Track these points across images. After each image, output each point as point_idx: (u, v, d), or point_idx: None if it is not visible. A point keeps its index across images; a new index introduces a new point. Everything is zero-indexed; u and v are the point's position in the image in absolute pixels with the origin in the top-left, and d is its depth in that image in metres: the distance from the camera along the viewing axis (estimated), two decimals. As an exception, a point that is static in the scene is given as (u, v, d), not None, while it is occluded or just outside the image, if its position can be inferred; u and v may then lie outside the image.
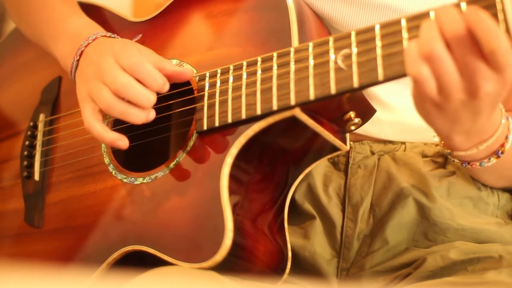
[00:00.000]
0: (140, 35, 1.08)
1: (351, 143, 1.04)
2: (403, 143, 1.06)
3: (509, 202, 1.07)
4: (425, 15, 0.76)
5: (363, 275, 1.02)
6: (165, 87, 0.94)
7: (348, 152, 1.04)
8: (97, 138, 0.97)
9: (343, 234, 1.03)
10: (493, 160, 0.93)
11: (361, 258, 1.03)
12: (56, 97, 1.17)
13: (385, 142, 1.06)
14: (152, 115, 0.95)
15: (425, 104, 0.79)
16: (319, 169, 1.05)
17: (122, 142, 0.96)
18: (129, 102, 0.94)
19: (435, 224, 1.00)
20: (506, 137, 0.91)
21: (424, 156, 1.06)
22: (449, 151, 0.93)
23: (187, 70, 0.96)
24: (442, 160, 1.04)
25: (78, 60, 1.02)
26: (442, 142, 0.94)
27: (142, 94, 0.93)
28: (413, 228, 1.02)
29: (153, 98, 0.94)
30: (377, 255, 1.02)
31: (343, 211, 1.03)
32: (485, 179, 1.03)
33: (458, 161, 0.95)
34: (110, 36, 1.05)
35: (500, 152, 0.92)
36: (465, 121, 0.81)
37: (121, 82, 0.92)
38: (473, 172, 1.01)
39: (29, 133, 1.16)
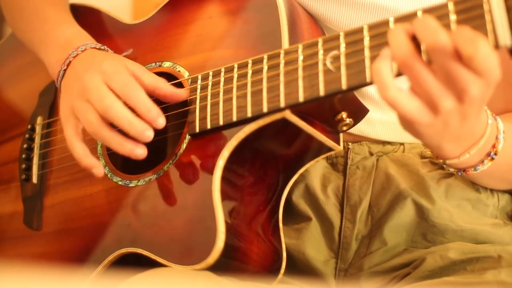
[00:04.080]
0: (131, 50, 1.08)
1: (350, 144, 1.04)
2: (402, 144, 1.05)
3: (509, 204, 1.06)
4: (413, 15, 0.75)
5: (362, 275, 1.02)
6: (159, 121, 0.92)
7: (346, 153, 1.04)
8: (75, 159, 0.98)
9: (341, 235, 1.02)
10: (488, 163, 0.90)
11: (359, 259, 1.02)
12: (53, 100, 1.17)
13: (383, 143, 1.05)
14: (139, 151, 0.92)
15: (413, 125, 0.79)
16: (317, 170, 1.04)
17: (97, 170, 0.96)
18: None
19: (434, 225, 1.00)
20: (497, 138, 0.89)
21: (423, 157, 1.05)
22: (442, 161, 0.91)
23: (181, 92, 0.95)
24: (441, 161, 1.03)
25: (65, 70, 1.02)
26: (434, 153, 0.91)
27: (126, 118, 0.91)
28: (411, 229, 1.01)
29: (138, 125, 0.91)
30: (375, 256, 1.02)
31: (341, 211, 1.03)
32: (485, 183, 1.02)
33: (453, 169, 0.93)
34: (99, 48, 1.04)
35: (493, 153, 0.89)
36: (454, 128, 0.79)
37: (107, 103, 0.91)
38: (471, 178, 0.99)
39: (27, 136, 1.17)
